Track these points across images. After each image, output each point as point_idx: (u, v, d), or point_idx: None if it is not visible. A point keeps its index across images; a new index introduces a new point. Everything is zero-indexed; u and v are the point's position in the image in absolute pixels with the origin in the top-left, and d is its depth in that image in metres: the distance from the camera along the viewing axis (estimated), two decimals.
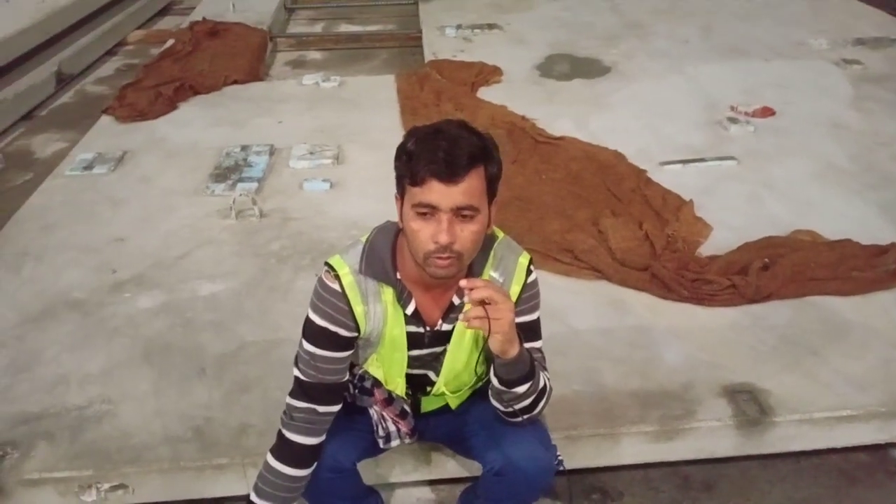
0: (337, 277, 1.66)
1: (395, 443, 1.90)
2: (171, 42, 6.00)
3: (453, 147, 1.48)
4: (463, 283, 1.51)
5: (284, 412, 1.76)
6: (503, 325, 1.52)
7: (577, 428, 2.24)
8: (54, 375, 2.55)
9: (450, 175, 1.47)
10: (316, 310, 1.69)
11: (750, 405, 2.30)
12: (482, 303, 1.50)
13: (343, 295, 1.66)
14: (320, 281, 1.69)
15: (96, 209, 3.62)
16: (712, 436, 2.28)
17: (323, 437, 1.77)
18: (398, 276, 1.67)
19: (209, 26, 6.18)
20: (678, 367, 2.48)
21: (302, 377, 1.73)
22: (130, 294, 2.96)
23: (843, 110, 4.45)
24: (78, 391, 2.47)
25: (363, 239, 1.72)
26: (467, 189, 1.50)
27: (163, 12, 8.03)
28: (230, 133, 4.40)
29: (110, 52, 6.74)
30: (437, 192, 1.48)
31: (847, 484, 2.31)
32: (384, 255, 1.67)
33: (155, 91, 4.85)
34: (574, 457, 2.22)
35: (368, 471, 2.11)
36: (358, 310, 1.67)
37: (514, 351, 1.59)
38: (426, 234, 1.52)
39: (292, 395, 1.75)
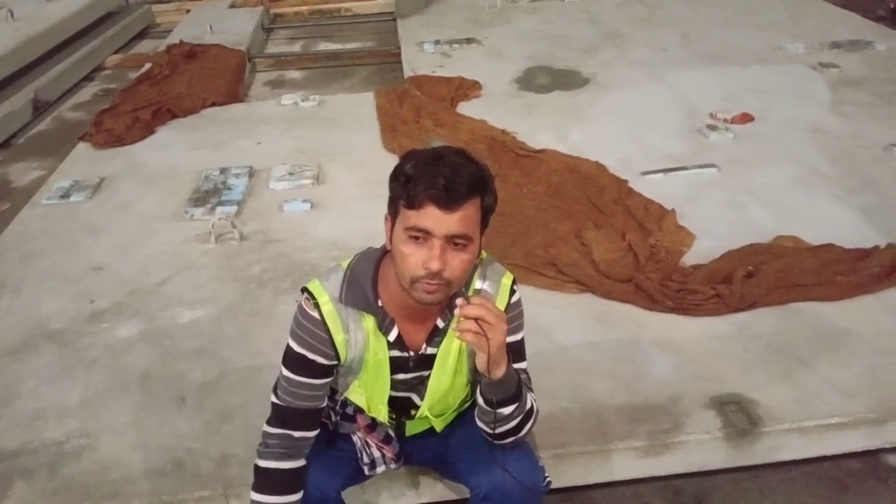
0: (316, 305, 1.63)
1: (380, 469, 1.87)
2: (148, 66, 5.97)
3: (454, 175, 1.46)
4: (459, 301, 1.50)
5: (260, 443, 1.74)
6: (493, 345, 1.50)
7: (566, 446, 2.21)
8: (32, 410, 2.50)
9: (448, 202, 1.46)
10: (295, 337, 1.66)
11: (738, 416, 2.28)
12: (475, 319, 1.49)
13: (322, 323, 1.63)
14: (300, 308, 1.66)
15: (75, 237, 3.58)
16: (702, 449, 2.25)
17: (302, 461, 1.74)
18: (380, 303, 1.64)
19: (186, 49, 6.16)
20: (665, 379, 2.46)
21: (278, 402, 1.71)
22: (109, 323, 2.92)
23: (822, 114, 4.46)
24: (56, 425, 2.42)
25: (344, 265, 1.69)
26: (463, 218, 1.48)
27: (140, 36, 7.99)
28: (209, 156, 4.36)
29: (87, 78, 6.70)
30: (432, 218, 1.47)
31: (839, 492, 2.30)
32: (365, 283, 1.64)
33: (132, 116, 4.81)
34: (563, 475, 2.20)
35: (355, 497, 2.07)
36: (338, 338, 1.64)
37: (501, 371, 1.57)
38: (416, 259, 1.49)
39: (268, 422, 1.73)
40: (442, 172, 1.46)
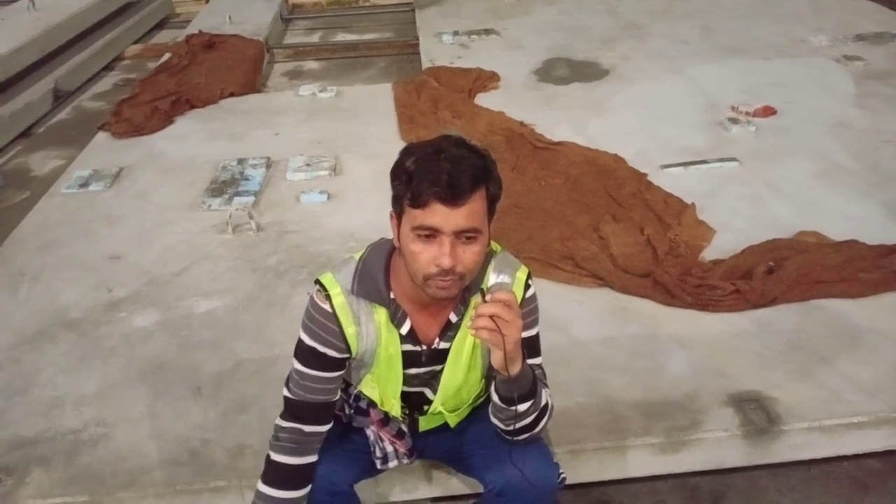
0: (328, 297, 1.62)
1: (392, 463, 1.87)
2: (167, 56, 5.99)
3: (456, 168, 1.44)
4: (479, 299, 1.49)
5: (273, 435, 1.74)
6: (509, 341, 1.48)
7: (581, 441, 2.20)
8: (49, 398, 2.52)
9: (453, 198, 1.43)
10: (306, 330, 1.66)
11: (757, 414, 2.25)
12: (491, 316, 1.46)
13: (334, 315, 1.62)
14: (311, 300, 1.66)
15: (93, 227, 3.59)
16: (719, 446, 2.23)
17: (312, 458, 1.74)
18: (392, 295, 1.63)
19: (205, 39, 6.16)
20: (683, 375, 2.43)
21: (290, 396, 1.71)
22: (126, 313, 2.93)
23: (845, 108, 4.39)
24: (73, 414, 2.44)
25: (356, 256, 1.68)
26: (470, 211, 1.46)
27: (159, 26, 8.02)
28: (227, 146, 4.37)
29: (107, 68, 6.72)
30: (439, 215, 1.44)
31: (859, 492, 2.26)
32: (377, 275, 1.63)
33: (151, 106, 4.82)
34: (578, 471, 2.18)
35: (368, 490, 2.07)
36: (349, 331, 1.63)
37: (516, 368, 1.55)
38: (427, 257, 1.48)
39: (281, 415, 1.73)
40: (444, 167, 1.43)
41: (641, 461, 2.23)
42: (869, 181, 3.57)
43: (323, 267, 2.99)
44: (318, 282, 1.66)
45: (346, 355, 1.66)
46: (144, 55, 6.99)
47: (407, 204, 1.48)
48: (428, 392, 1.78)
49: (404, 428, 1.83)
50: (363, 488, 1.94)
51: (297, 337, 1.69)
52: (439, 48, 5.92)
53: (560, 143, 4.05)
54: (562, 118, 4.43)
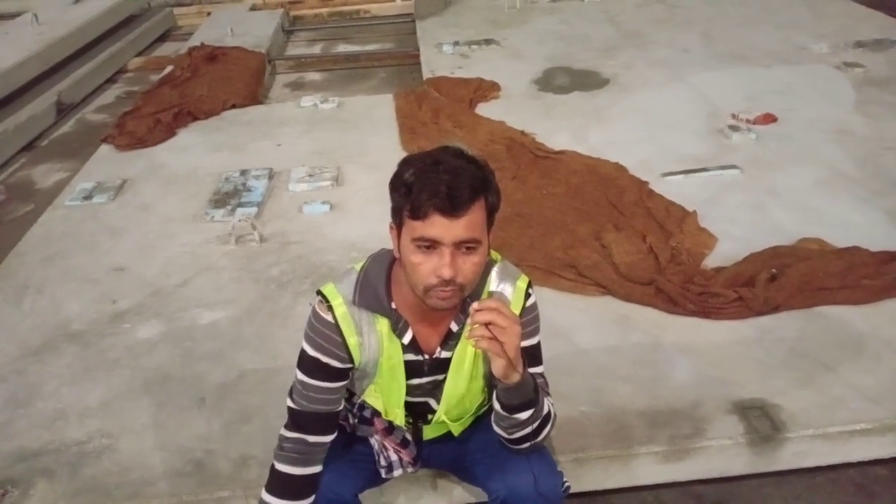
0: (330, 308, 1.63)
1: (397, 472, 1.86)
2: (169, 68, 6.02)
3: (455, 180, 1.44)
4: (475, 305, 1.47)
5: (277, 445, 1.74)
6: (509, 348, 1.48)
7: (585, 450, 2.19)
8: (53, 410, 2.52)
9: (453, 209, 1.43)
10: (309, 340, 1.66)
11: (761, 421, 2.25)
12: (487, 324, 1.46)
13: (336, 326, 1.62)
14: (313, 311, 1.66)
15: (96, 239, 3.61)
16: (724, 454, 2.22)
17: (316, 468, 1.74)
18: (393, 305, 1.64)
19: (207, 51, 6.19)
20: (686, 384, 2.43)
21: (294, 406, 1.71)
22: (130, 324, 2.94)
23: (846, 115, 4.40)
24: (77, 426, 2.44)
25: (357, 267, 1.69)
26: (469, 222, 1.46)
27: (162, 39, 8.06)
28: (229, 158, 4.39)
29: (110, 80, 6.76)
30: (439, 227, 1.44)
31: (865, 499, 2.25)
32: (378, 286, 1.63)
33: (154, 118, 4.85)
34: (582, 480, 2.18)
35: (373, 500, 2.07)
36: (352, 341, 1.63)
37: (517, 376, 1.55)
38: (427, 268, 1.48)
39: (284, 426, 1.73)
40: (442, 179, 1.43)
41: (646, 469, 2.22)
42: (871, 188, 3.57)
43: (325, 277, 3.00)
44: (319, 292, 1.66)
45: (349, 365, 1.66)
46: (147, 68, 7.03)
47: (406, 215, 1.48)
48: (431, 402, 1.78)
49: (408, 437, 1.84)
50: (368, 498, 1.94)
51: (300, 347, 1.69)
52: (440, 58, 5.94)
53: (561, 152, 4.06)
54: (562, 127, 4.45)
